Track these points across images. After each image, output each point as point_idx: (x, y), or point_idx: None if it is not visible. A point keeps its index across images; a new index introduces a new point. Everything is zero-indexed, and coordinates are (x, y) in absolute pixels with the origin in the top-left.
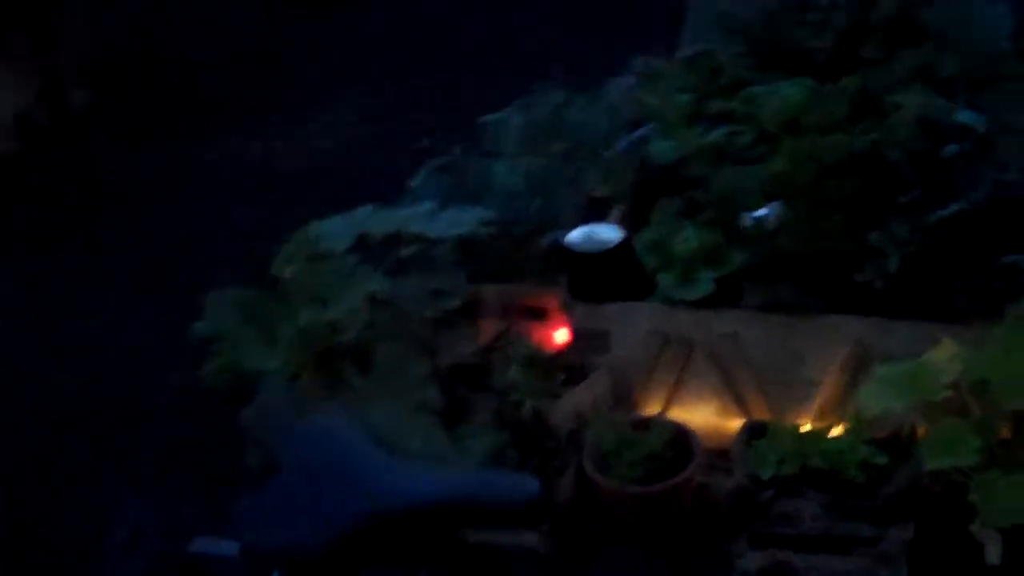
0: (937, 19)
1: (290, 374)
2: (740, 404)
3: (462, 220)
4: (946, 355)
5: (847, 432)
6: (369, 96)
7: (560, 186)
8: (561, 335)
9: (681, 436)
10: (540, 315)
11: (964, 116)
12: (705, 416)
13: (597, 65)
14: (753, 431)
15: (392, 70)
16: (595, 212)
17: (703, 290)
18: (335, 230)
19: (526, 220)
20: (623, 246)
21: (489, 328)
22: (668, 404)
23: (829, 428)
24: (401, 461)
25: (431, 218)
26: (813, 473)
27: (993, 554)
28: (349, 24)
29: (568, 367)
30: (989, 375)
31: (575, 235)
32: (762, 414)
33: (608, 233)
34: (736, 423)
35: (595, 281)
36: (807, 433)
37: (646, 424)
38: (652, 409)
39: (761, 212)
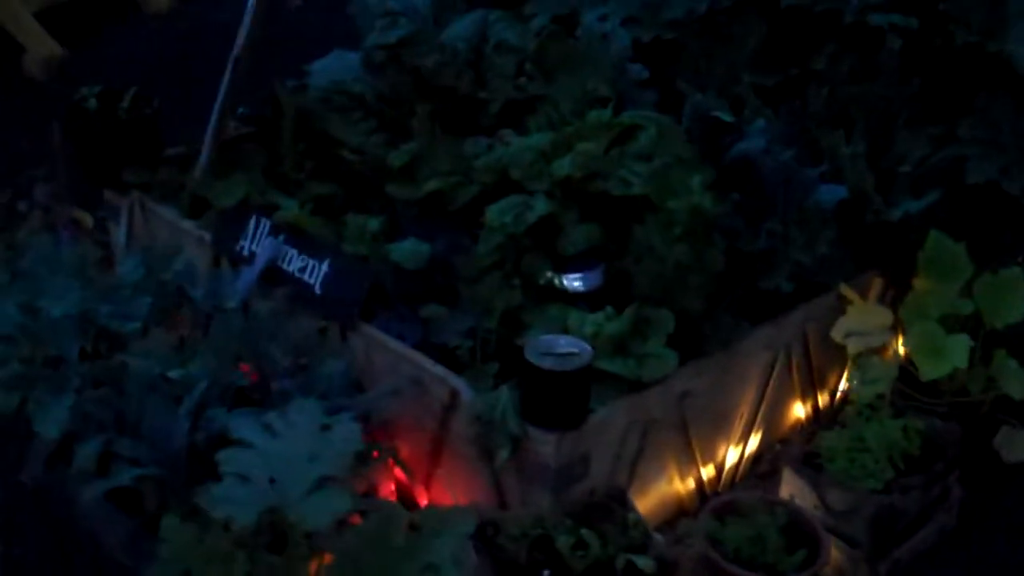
0: (565, 49)
1: None
2: (691, 461)
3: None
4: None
5: (852, 430)
6: None
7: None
8: None
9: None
10: None
11: (725, 115)
12: (663, 486)
13: None
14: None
15: None
16: None
17: (671, 361)
18: None
19: None
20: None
21: None
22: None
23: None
24: None
25: None
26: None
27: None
28: None
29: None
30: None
31: (535, 353)
32: (706, 460)
33: (567, 344)
34: (688, 482)
35: (571, 402)
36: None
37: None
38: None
39: (570, 276)
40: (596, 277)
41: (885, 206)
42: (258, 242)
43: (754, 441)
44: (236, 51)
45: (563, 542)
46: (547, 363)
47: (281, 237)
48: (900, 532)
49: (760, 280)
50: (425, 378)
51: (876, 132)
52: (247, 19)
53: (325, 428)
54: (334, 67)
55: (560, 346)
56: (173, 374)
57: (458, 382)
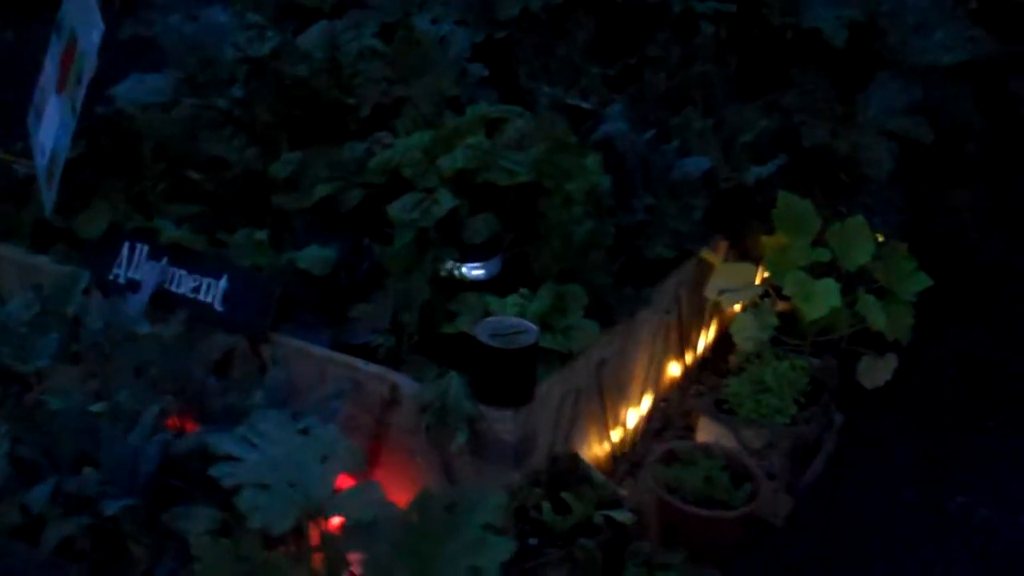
0: (416, 52)
1: None
2: (604, 425)
3: None
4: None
5: (751, 375)
6: None
7: None
8: None
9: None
10: None
11: (582, 103)
12: (585, 451)
13: None
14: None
15: None
16: None
17: (593, 332)
18: None
19: None
20: None
21: None
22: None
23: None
24: None
25: None
26: None
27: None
28: None
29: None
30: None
31: (485, 335)
32: (615, 423)
33: (514, 324)
34: (604, 446)
35: (522, 378)
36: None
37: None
38: None
39: (470, 265)
40: (495, 264)
41: (731, 174)
42: (135, 268)
43: (647, 401)
44: (85, 76)
45: (547, 508)
46: (498, 343)
47: (164, 260)
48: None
49: (644, 250)
50: (359, 377)
51: (711, 109)
52: (94, 41)
53: (303, 432)
54: (139, 89)
55: (507, 327)
56: (96, 408)
57: (398, 376)
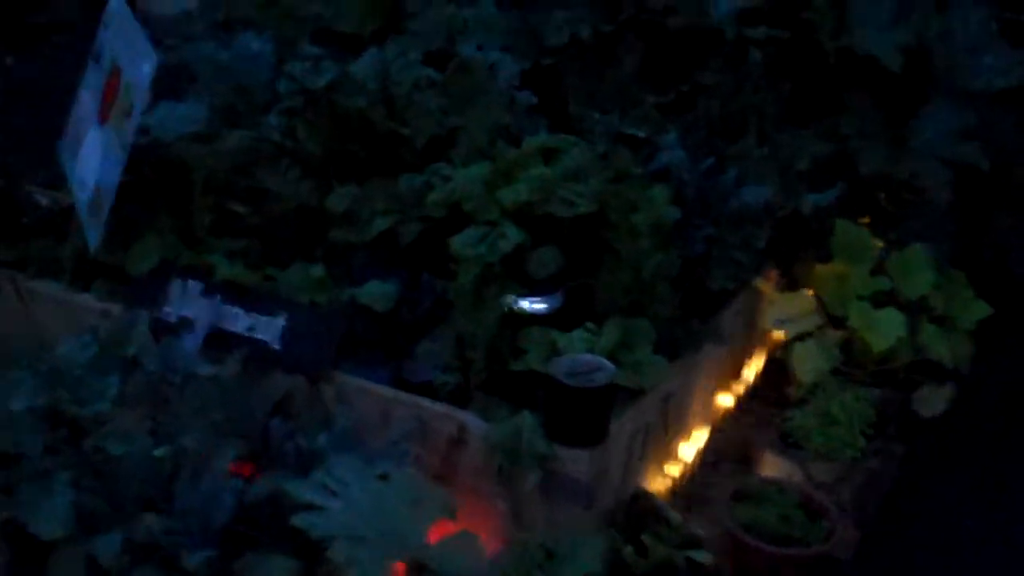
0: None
1: None
2: (667, 460)
3: None
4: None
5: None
6: None
7: None
8: None
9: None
10: None
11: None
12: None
13: None
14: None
15: None
16: None
17: (663, 367)
18: None
19: None
20: None
21: None
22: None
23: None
24: None
25: None
26: None
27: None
28: None
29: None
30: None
31: (560, 373)
32: (675, 458)
33: (587, 360)
34: (666, 481)
35: (598, 417)
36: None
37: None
38: None
39: (532, 299)
40: (557, 298)
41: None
42: (186, 306)
43: (703, 435)
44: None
45: (629, 551)
46: (576, 382)
47: (218, 297)
48: None
49: (707, 281)
50: (425, 417)
51: (764, 136)
52: (145, 73)
53: (383, 478)
54: (174, 118)
55: (580, 364)
56: (159, 452)
57: (466, 415)
